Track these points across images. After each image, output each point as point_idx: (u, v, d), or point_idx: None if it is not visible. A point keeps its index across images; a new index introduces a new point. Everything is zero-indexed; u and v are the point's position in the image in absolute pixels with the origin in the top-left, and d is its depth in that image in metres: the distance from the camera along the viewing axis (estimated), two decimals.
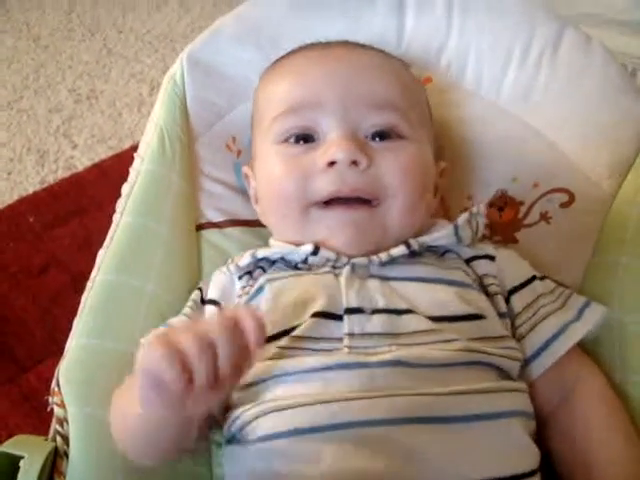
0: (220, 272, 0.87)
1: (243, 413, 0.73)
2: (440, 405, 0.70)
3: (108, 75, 2.06)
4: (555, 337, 0.81)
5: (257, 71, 1.01)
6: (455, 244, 0.85)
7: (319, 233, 0.82)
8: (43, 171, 1.72)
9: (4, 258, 1.48)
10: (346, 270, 0.79)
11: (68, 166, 1.74)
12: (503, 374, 0.77)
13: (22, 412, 1.21)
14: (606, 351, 0.85)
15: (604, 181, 0.96)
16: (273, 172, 0.85)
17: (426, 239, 0.83)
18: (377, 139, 0.84)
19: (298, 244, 0.83)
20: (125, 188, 0.97)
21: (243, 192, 1.01)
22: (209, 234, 0.98)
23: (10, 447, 0.74)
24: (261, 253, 0.84)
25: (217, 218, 0.99)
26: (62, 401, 0.79)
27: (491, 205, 0.99)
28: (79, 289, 0.90)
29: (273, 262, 0.85)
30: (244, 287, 0.83)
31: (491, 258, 0.86)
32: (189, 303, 0.85)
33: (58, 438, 0.77)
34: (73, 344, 0.84)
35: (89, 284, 0.89)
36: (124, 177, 0.99)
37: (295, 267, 0.84)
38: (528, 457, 0.73)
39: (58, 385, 0.80)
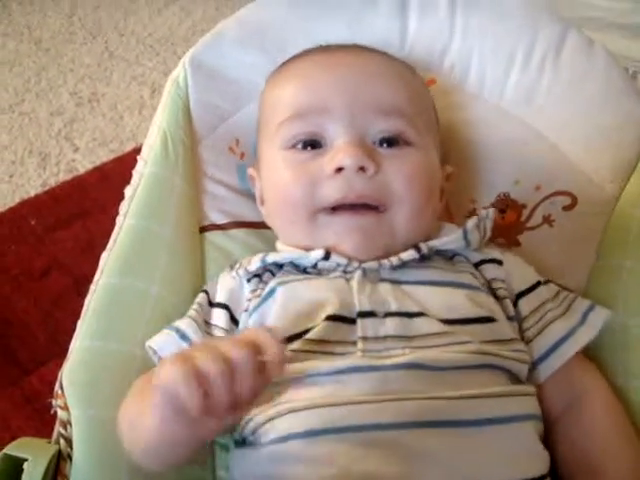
0: (227, 275, 0.87)
1: (256, 416, 0.73)
2: (452, 409, 0.70)
3: (109, 78, 2.06)
4: (563, 340, 0.81)
5: (260, 74, 1.01)
6: (463, 248, 0.85)
7: (328, 239, 0.82)
8: (45, 174, 1.73)
9: (6, 261, 1.49)
10: (357, 274, 0.80)
11: (70, 169, 1.74)
12: (513, 377, 0.77)
13: (24, 414, 1.21)
14: (608, 355, 0.86)
15: (607, 184, 0.96)
16: (281, 178, 0.85)
17: (435, 243, 0.83)
18: (384, 145, 0.84)
19: (307, 248, 0.83)
20: (128, 191, 0.97)
21: (246, 194, 1.01)
22: (213, 236, 0.98)
23: (14, 450, 0.74)
24: (271, 258, 0.84)
25: (221, 220, 0.99)
26: (65, 404, 0.78)
27: (493, 207, 0.98)
28: (81, 292, 0.90)
29: (282, 266, 0.85)
30: (254, 290, 0.83)
31: (499, 262, 0.86)
32: (194, 306, 0.85)
33: (61, 441, 0.77)
34: (76, 346, 0.84)
35: (92, 287, 0.89)
36: (126, 180, 0.99)
37: (304, 271, 0.84)
38: (538, 461, 0.73)
39: (61, 388, 0.80)
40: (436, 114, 0.95)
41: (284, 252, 0.87)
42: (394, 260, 0.81)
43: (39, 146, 1.82)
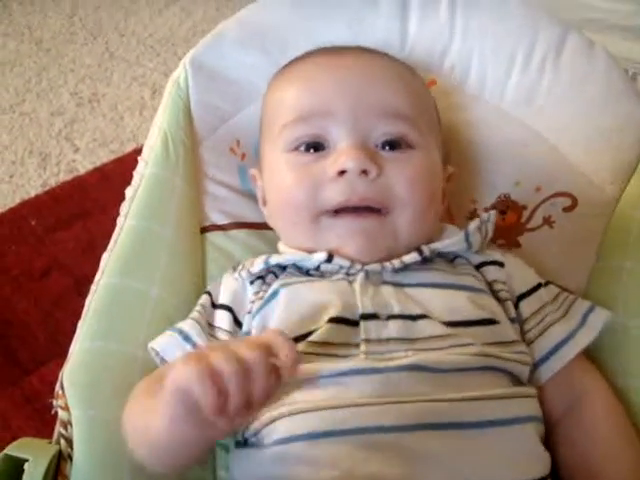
0: (230, 277, 0.87)
1: (259, 416, 0.73)
2: (454, 411, 0.70)
3: (110, 79, 2.06)
4: (563, 342, 0.81)
5: (260, 75, 1.01)
6: (465, 250, 0.85)
7: (330, 241, 0.82)
8: (45, 174, 1.73)
9: (6, 261, 1.49)
10: (360, 277, 0.80)
11: (70, 169, 1.75)
12: (514, 379, 0.77)
13: (25, 414, 1.22)
14: (608, 356, 0.86)
15: (607, 185, 0.96)
16: (283, 181, 0.85)
17: (437, 245, 0.83)
18: (387, 148, 0.84)
19: (309, 250, 0.83)
20: (129, 192, 0.97)
21: (247, 195, 1.01)
22: (214, 237, 0.98)
23: (14, 450, 0.74)
24: (274, 260, 0.84)
25: (221, 221, 0.99)
26: (66, 404, 0.78)
27: (494, 209, 0.98)
28: (82, 292, 0.90)
29: (284, 267, 0.85)
30: (257, 292, 0.83)
31: (500, 264, 0.86)
32: (197, 307, 0.85)
33: (62, 441, 0.77)
34: (77, 347, 0.84)
35: (93, 287, 0.89)
36: (126, 180, 0.99)
37: (307, 273, 0.84)
38: (539, 463, 0.73)
39: (62, 388, 0.80)
40: (438, 114, 0.96)
41: (287, 254, 0.87)
42: (396, 263, 0.81)
43: (39, 146, 1.82)
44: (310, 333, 0.75)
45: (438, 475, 0.67)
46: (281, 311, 0.79)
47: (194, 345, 0.79)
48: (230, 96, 1.04)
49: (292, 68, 0.94)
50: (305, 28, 1.04)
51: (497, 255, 0.87)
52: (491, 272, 0.85)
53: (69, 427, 0.77)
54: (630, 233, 0.92)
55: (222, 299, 0.85)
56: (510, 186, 1.00)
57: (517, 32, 1.03)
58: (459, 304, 0.79)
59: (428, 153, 0.87)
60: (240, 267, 0.87)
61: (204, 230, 0.98)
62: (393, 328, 0.75)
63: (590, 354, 0.84)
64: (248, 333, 0.80)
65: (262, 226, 0.97)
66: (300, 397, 0.72)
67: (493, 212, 0.87)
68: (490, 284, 0.84)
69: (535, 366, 0.81)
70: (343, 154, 0.81)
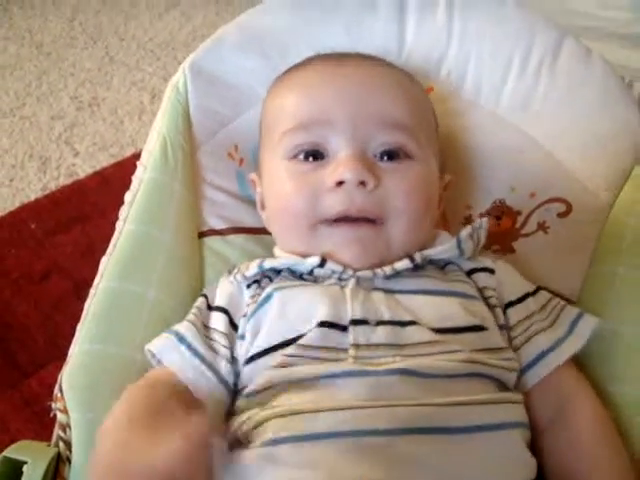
0: (226, 280, 0.88)
1: (249, 418, 0.74)
2: (441, 415, 0.71)
3: (110, 83, 2.07)
4: (550, 349, 0.81)
5: (260, 80, 1.02)
6: (457, 257, 0.86)
7: (325, 247, 0.83)
8: (45, 178, 1.73)
9: (6, 264, 1.49)
10: (351, 282, 0.81)
11: (70, 173, 1.75)
12: (501, 385, 0.78)
13: (24, 417, 1.22)
14: (599, 362, 0.86)
15: (601, 191, 0.96)
16: (282, 188, 0.86)
17: (429, 252, 0.84)
18: (385, 158, 0.85)
19: (303, 255, 0.84)
20: (128, 196, 0.97)
21: (245, 200, 1.02)
22: (211, 241, 0.99)
23: (13, 452, 0.74)
24: (268, 264, 0.85)
25: (219, 225, 0.99)
26: (65, 407, 0.79)
27: (488, 214, 1.00)
28: (81, 296, 0.91)
29: (279, 272, 0.86)
30: (253, 296, 0.84)
31: (491, 271, 0.86)
32: (193, 310, 0.86)
33: (61, 444, 0.78)
34: (76, 350, 0.84)
35: (92, 291, 0.90)
36: (126, 185, 1.00)
37: (300, 277, 0.85)
38: (526, 468, 0.74)
39: (61, 391, 0.81)
40: (436, 120, 0.96)
41: (281, 258, 0.88)
42: (388, 269, 0.81)
43: (39, 150, 1.82)
44: (300, 337, 0.76)
45: (425, 478, 0.68)
46: (273, 314, 0.80)
47: (189, 346, 0.80)
48: (229, 101, 1.05)
49: (292, 75, 0.94)
50: (304, 33, 1.05)
51: (488, 262, 0.87)
52: (482, 279, 0.86)
53: (68, 430, 0.78)
54: (623, 239, 0.93)
55: (218, 301, 0.85)
56: (505, 192, 1.00)
57: (514, 35, 1.03)
58: (450, 310, 0.79)
59: (426, 163, 0.88)
60: (235, 270, 0.88)
61: (202, 235, 0.99)
62: (382, 334, 0.76)
63: (581, 360, 0.84)
64: (243, 336, 0.81)
65: (260, 231, 0.98)
66: (288, 399, 0.73)
67: (485, 219, 0.87)
68: (481, 290, 0.85)
69: (521, 372, 0.81)
70: (341, 165, 0.82)
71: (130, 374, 0.81)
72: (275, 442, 0.71)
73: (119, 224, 0.95)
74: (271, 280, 0.85)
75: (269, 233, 0.95)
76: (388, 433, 0.69)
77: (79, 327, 0.87)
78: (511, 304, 0.85)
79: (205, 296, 0.87)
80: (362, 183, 0.81)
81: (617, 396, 0.84)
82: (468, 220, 1.01)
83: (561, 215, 0.98)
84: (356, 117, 0.85)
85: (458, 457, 0.70)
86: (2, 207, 1.64)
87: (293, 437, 0.70)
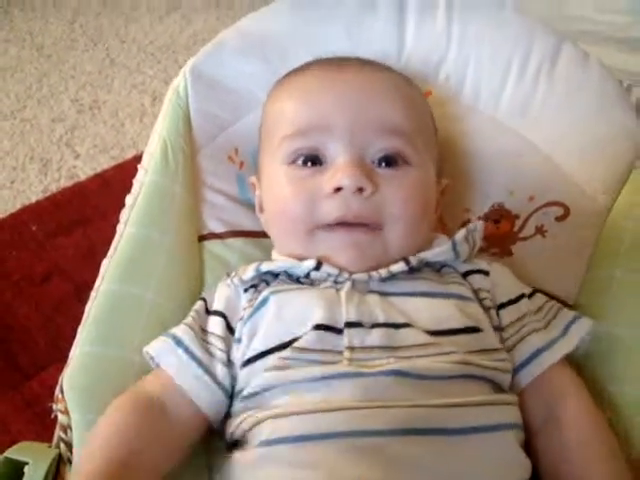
0: (224, 284, 0.88)
1: (246, 419, 0.75)
2: (437, 417, 0.72)
3: (111, 85, 2.07)
4: (543, 349, 0.82)
5: (260, 84, 1.03)
6: (453, 259, 0.86)
7: (322, 251, 0.84)
8: (46, 180, 1.73)
9: (7, 266, 1.49)
10: (347, 285, 0.81)
11: (71, 175, 1.75)
12: (496, 386, 0.78)
13: (25, 418, 1.22)
14: (598, 364, 0.87)
15: (599, 195, 0.97)
16: (281, 192, 0.87)
17: (425, 255, 0.85)
18: (383, 165, 0.85)
19: (301, 258, 0.84)
20: (129, 199, 0.98)
21: (245, 204, 1.02)
22: (211, 245, 0.99)
23: (14, 453, 0.75)
24: (265, 267, 0.85)
25: (219, 229, 1.00)
26: (66, 408, 0.80)
27: (487, 218, 1.00)
28: (82, 298, 0.91)
29: (276, 275, 0.86)
30: (250, 300, 0.85)
31: (485, 273, 0.87)
32: (192, 313, 0.86)
33: (62, 445, 0.78)
34: (77, 352, 0.85)
35: (93, 293, 0.90)
36: (127, 187, 1.00)
37: (297, 281, 0.85)
38: (520, 469, 0.74)
39: (62, 392, 0.81)
40: (434, 125, 0.97)
41: (278, 261, 0.88)
42: (383, 272, 0.82)
43: (40, 152, 1.82)
44: (296, 339, 0.77)
45: (422, 479, 0.69)
46: (270, 318, 0.81)
47: (186, 350, 0.80)
48: (229, 104, 1.05)
49: (292, 80, 0.95)
50: (304, 38, 1.05)
51: (483, 264, 0.88)
52: (477, 280, 0.86)
53: (69, 431, 0.79)
54: (621, 242, 0.94)
55: (216, 305, 0.86)
56: (504, 195, 1.01)
57: (513, 40, 1.04)
58: (445, 312, 0.80)
59: (423, 169, 0.88)
60: (233, 274, 0.88)
61: (202, 238, 0.99)
62: (376, 336, 0.76)
63: (580, 361, 0.85)
64: (239, 339, 0.82)
65: (259, 234, 0.98)
66: (285, 401, 0.74)
67: (481, 222, 0.88)
68: (476, 292, 0.85)
69: (515, 372, 0.82)
70: (340, 171, 0.83)
71: (129, 376, 0.82)
72: (272, 442, 0.72)
73: (120, 227, 0.95)
74: (268, 284, 0.86)
75: (268, 236, 0.96)
76: (384, 434, 0.70)
77: (80, 329, 0.88)
78: (504, 305, 0.85)
79: (204, 300, 0.88)
80: (360, 189, 0.82)
81: (617, 396, 0.84)
82: (467, 224, 1.00)
83: (559, 219, 0.98)
84: (354, 123, 0.85)
85: (454, 458, 0.70)
86: (3, 209, 1.64)
87: (290, 437, 0.71)
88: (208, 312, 0.86)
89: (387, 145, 0.86)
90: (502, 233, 1.00)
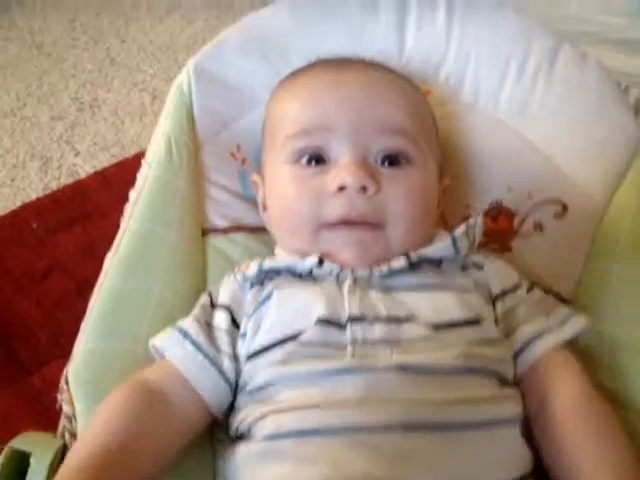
0: (229, 279, 0.89)
1: (250, 414, 0.76)
2: (442, 412, 0.72)
3: (111, 84, 2.07)
4: (538, 336, 0.82)
5: (262, 82, 1.04)
6: (453, 255, 0.87)
7: (325, 248, 0.85)
8: (46, 178, 1.74)
9: (7, 263, 1.49)
10: (349, 281, 0.82)
11: (71, 173, 1.75)
12: (500, 379, 0.78)
13: (26, 413, 1.22)
14: (596, 360, 0.87)
15: (597, 192, 0.98)
16: (286, 192, 0.87)
17: (425, 251, 0.85)
18: (386, 164, 0.86)
19: (303, 254, 0.85)
20: (132, 194, 0.99)
21: (248, 199, 1.03)
22: (215, 239, 1.00)
23: (19, 443, 0.75)
24: (267, 265, 0.86)
25: (222, 224, 1.01)
26: (71, 398, 0.80)
27: (485, 215, 1.00)
28: (82, 294, 0.92)
29: (279, 272, 0.87)
30: (254, 295, 0.85)
31: (481, 266, 0.88)
32: (197, 307, 0.87)
33: (67, 435, 0.79)
34: (82, 344, 0.86)
35: (97, 287, 0.91)
36: (127, 185, 1.00)
37: (300, 277, 0.86)
38: (524, 462, 0.74)
39: (67, 383, 0.82)
40: (436, 124, 0.98)
41: (280, 258, 0.89)
42: (384, 268, 0.83)
43: (40, 150, 1.83)
44: (299, 334, 0.77)
45: (423, 475, 0.69)
46: (273, 313, 0.81)
47: (193, 342, 0.81)
48: (232, 102, 1.06)
49: (296, 80, 0.96)
50: (306, 38, 1.06)
51: (478, 257, 0.89)
52: (475, 273, 0.87)
53: (73, 421, 0.79)
54: (618, 238, 0.94)
55: (221, 299, 0.86)
56: (503, 193, 1.02)
57: (512, 40, 1.05)
58: (446, 305, 0.81)
59: (426, 169, 0.89)
60: (236, 269, 0.89)
61: (205, 233, 1.00)
62: (379, 330, 0.77)
63: (579, 358, 0.85)
64: (244, 334, 0.82)
65: (262, 230, 0.99)
66: (288, 396, 0.75)
67: (479, 217, 0.88)
68: (475, 284, 0.86)
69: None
70: (343, 170, 0.84)
71: (134, 368, 0.82)
72: (276, 437, 0.72)
73: (123, 221, 0.96)
74: (272, 280, 0.86)
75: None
76: (388, 428, 0.70)
77: (84, 323, 0.88)
78: (499, 296, 0.86)
79: (209, 294, 0.88)
80: (363, 189, 0.83)
81: (619, 392, 0.85)
82: (467, 219, 1.01)
83: (557, 216, 0.99)
84: (357, 123, 0.86)
85: (458, 453, 0.70)
86: (4, 206, 1.64)
87: (295, 432, 0.71)
88: (213, 306, 0.87)
89: (390, 144, 0.87)
90: (501, 230, 1.01)
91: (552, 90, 1.04)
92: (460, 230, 0.86)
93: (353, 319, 0.78)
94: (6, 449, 0.75)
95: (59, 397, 0.82)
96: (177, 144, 1.01)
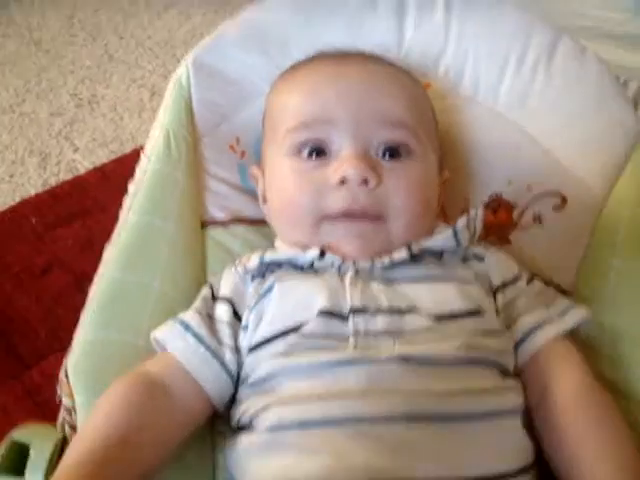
0: (230, 271, 0.89)
1: (252, 406, 0.76)
2: (444, 403, 0.72)
3: (109, 80, 2.07)
4: (539, 327, 0.82)
5: (261, 75, 1.04)
6: (454, 247, 0.87)
7: (326, 241, 0.85)
8: (45, 174, 1.74)
9: (7, 259, 1.49)
10: (350, 272, 0.82)
11: (70, 169, 1.75)
12: (502, 369, 0.78)
13: (25, 407, 1.22)
14: (596, 351, 0.87)
15: (596, 185, 0.98)
16: (287, 185, 0.87)
17: (427, 243, 0.85)
18: (387, 157, 0.86)
19: (304, 246, 0.85)
20: (131, 187, 0.99)
21: (247, 192, 1.03)
22: (214, 232, 1.00)
23: (19, 435, 0.76)
24: (268, 257, 0.86)
25: (222, 216, 1.01)
26: (70, 391, 0.80)
27: (485, 207, 1.00)
28: (82, 289, 0.92)
29: (280, 264, 0.87)
30: (256, 288, 0.85)
31: (482, 258, 0.88)
32: (199, 299, 0.87)
33: (66, 427, 0.79)
34: (81, 336, 0.86)
35: (96, 280, 0.91)
36: (126, 180, 1.01)
37: (301, 269, 0.86)
38: (525, 453, 0.74)
39: (66, 376, 0.82)
40: (435, 117, 0.98)
41: (282, 251, 0.89)
42: (386, 260, 0.83)
43: (39, 146, 1.83)
44: (301, 326, 0.78)
45: (426, 466, 0.69)
46: (274, 305, 0.81)
47: (194, 334, 0.81)
48: (231, 95, 1.06)
49: (297, 73, 0.96)
50: (305, 30, 1.06)
51: (479, 249, 0.89)
52: (475, 265, 0.87)
53: (73, 413, 0.79)
54: (618, 231, 0.94)
55: (223, 292, 0.86)
56: (502, 185, 1.02)
57: (511, 34, 1.05)
58: (447, 296, 0.81)
59: (426, 162, 0.89)
60: (237, 262, 0.89)
61: (205, 225, 1.00)
62: (381, 322, 0.77)
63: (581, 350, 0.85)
64: (246, 327, 0.82)
65: (262, 222, 0.99)
66: (290, 386, 0.75)
67: (480, 209, 0.88)
68: (476, 276, 0.86)
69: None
70: (345, 162, 0.84)
71: (134, 360, 0.82)
72: (278, 428, 0.72)
73: (123, 214, 0.96)
74: (273, 272, 0.86)
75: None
76: (390, 419, 0.70)
77: (83, 315, 0.88)
78: (499, 288, 0.86)
79: (211, 286, 0.88)
80: (365, 181, 0.83)
81: (619, 383, 0.85)
82: (466, 212, 1.02)
83: (556, 208, 0.99)
84: (358, 116, 0.86)
85: (460, 444, 0.70)
86: (3, 202, 1.64)
87: (297, 423, 0.71)
88: (215, 298, 0.87)
89: (391, 137, 0.87)
90: (500, 222, 1.01)
91: (551, 83, 1.04)
92: (461, 222, 0.86)
93: (355, 310, 0.78)
94: (6, 440, 0.75)
95: (58, 390, 0.83)
96: (176, 137, 1.01)
